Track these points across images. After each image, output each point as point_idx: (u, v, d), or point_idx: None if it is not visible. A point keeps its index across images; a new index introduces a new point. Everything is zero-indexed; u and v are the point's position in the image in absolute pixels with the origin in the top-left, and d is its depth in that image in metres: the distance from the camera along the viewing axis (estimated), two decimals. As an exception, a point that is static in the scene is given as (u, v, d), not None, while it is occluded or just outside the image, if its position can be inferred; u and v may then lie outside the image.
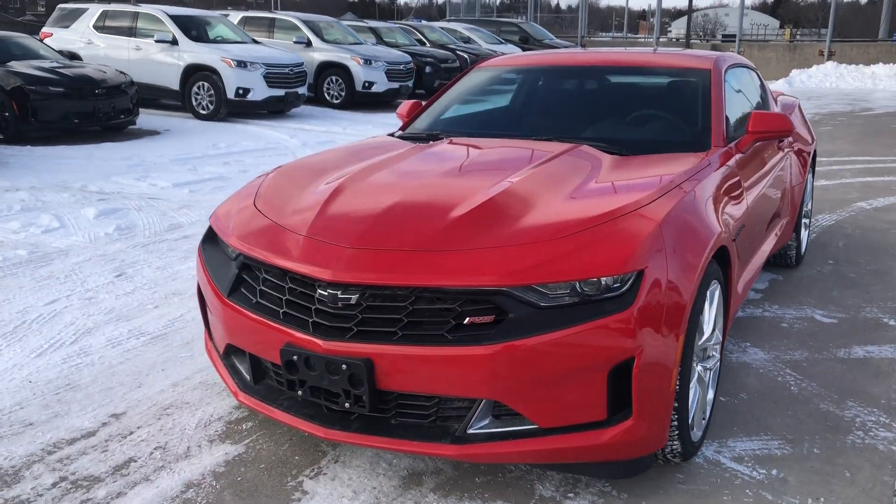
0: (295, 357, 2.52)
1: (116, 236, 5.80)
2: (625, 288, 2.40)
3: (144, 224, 6.16)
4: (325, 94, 15.02)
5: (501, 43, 22.12)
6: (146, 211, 6.59)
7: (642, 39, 32.89)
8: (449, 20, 27.04)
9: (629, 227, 2.55)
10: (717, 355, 3.06)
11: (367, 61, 14.82)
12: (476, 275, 2.40)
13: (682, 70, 4.02)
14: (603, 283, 2.40)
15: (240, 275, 2.84)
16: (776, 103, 5.18)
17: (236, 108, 12.50)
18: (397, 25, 19.59)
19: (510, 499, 2.65)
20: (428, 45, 18.97)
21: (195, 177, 8.12)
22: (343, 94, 14.92)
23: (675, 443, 2.68)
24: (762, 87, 4.87)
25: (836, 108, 17.10)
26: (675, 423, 2.61)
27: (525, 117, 4.14)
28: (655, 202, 2.71)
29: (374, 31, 18.04)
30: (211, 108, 12.40)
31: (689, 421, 2.72)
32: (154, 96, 12.85)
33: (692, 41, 28.88)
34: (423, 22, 23.36)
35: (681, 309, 2.48)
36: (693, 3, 28.60)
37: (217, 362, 3.04)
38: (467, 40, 21.03)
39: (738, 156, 3.55)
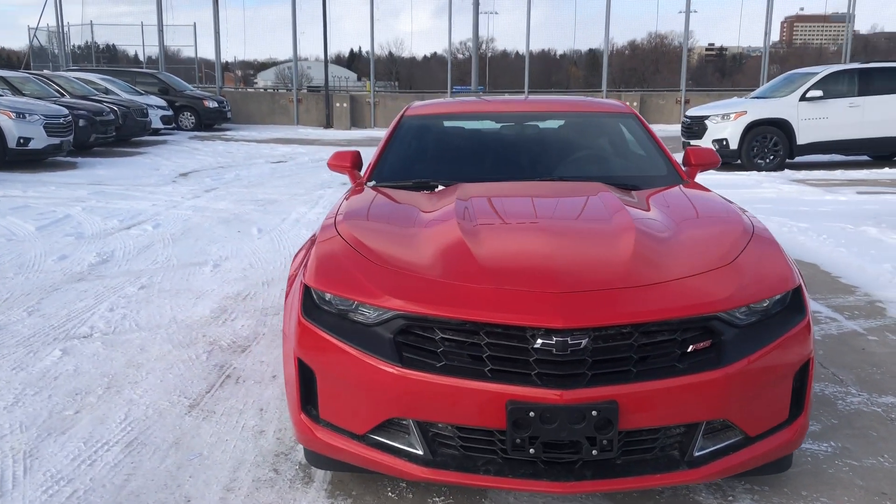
0: (531, 413, 2.38)
1: None
2: (789, 301, 2.72)
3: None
4: (-32, 155, 12.78)
5: (141, 94, 20.82)
6: None
7: (231, 89, 33.21)
8: (70, 69, 24.61)
9: (766, 249, 2.89)
10: None
11: (21, 115, 12.93)
12: (696, 304, 2.53)
13: (616, 114, 4.47)
14: (775, 299, 2.69)
15: (395, 339, 2.55)
16: None
17: None
18: (32, 75, 17.38)
19: (690, 515, 2.79)
20: (67, 96, 17.16)
21: None
22: (-8, 153, 12.82)
23: (797, 431, 3.05)
24: None
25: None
26: None
27: (507, 161, 4.20)
28: (755, 224, 3.09)
29: (6, 80, 15.81)
30: None
31: None
32: None
33: (285, 90, 29.81)
34: None
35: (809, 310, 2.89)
36: (273, 56, 29.49)
37: (350, 445, 2.64)
38: (106, 91, 19.45)
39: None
